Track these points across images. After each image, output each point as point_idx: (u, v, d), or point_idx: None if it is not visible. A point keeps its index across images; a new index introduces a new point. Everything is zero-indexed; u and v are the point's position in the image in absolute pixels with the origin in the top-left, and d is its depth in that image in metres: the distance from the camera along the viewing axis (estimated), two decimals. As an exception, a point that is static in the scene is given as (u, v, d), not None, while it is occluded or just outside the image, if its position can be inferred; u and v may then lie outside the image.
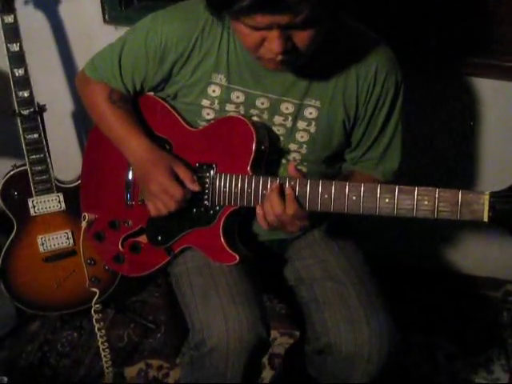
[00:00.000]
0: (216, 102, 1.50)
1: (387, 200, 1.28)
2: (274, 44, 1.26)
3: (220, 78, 1.48)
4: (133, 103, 1.62)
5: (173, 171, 1.50)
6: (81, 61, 2.13)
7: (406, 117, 1.56)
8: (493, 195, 1.20)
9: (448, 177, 2.20)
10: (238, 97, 1.49)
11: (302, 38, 1.26)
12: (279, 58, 1.29)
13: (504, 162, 2.15)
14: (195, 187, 1.50)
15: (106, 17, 2.11)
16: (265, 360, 2.16)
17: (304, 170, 1.55)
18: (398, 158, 1.57)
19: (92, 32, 2.13)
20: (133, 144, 1.55)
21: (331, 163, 1.59)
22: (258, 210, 1.39)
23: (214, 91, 1.49)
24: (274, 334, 2.26)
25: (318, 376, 1.63)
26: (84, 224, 1.72)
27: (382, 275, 1.63)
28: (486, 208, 1.20)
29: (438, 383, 2.12)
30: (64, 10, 2.13)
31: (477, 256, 2.40)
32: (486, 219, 1.21)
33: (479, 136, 2.15)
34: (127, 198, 1.66)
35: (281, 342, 2.25)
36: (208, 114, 1.52)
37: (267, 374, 2.13)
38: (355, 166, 1.60)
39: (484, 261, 2.41)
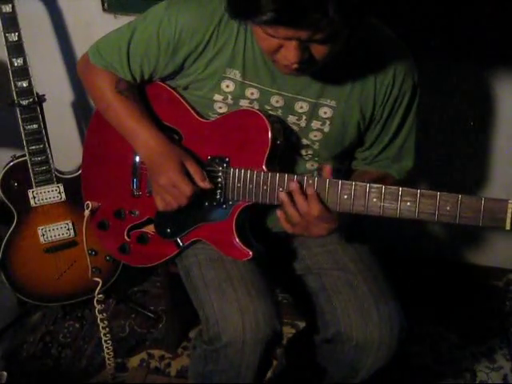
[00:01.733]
0: (229, 97, 1.47)
1: (409, 204, 1.27)
2: (290, 54, 1.23)
3: (234, 73, 1.44)
4: (140, 90, 1.57)
5: (183, 166, 1.47)
6: (80, 50, 2.11)
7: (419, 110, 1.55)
8: None
9: (460, 170, 2.19)
10: (252, 93, 1.46)
11: (319, 50, 1.24)
12: (294, 66, 1.26)
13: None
14: (206, 185, 1.47)
15: (105, 5, 2.09)
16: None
17: (315, 165, 1.54)
18: (412, 156, 1.57)
19: (91, 20, 2.11)
20: (144, 136, 1.51)
21: (342, 160, 1.58)
22: (279, 213, 1.38)
23: (227, 86, 1.46)
24: (276, 323, 2.27)
25: (326, 365, 1.63)
26: (87, 213, 1.70)
27: (385, 265, 1.63)
28: (509, 216, 1.20)
29: (441, 372, 2.12)
30: (63, -1, 2.11)
31: (480, 245, 2.40)
32: (508, 227, 1.21)
33: (492, 130, 2.14)
34: (134, 188, 1.64)
35: (284, 331, 2.24)
36: (220, 108, 1.49)
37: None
38: (370, 165, 1.58)
39: (487, 250, 2.40)
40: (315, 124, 1.48)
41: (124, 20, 1.57)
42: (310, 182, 1.35)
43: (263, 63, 1.42)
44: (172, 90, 1.54)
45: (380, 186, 1.29)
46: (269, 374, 2.04)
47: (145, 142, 1.51)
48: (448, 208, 1.24)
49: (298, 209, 1.35)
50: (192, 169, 1.47)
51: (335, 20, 1.13)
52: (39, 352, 2.18)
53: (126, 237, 1.65)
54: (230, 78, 1.45)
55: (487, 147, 2.18)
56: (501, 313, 2.34)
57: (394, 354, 1.49)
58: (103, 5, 2.09)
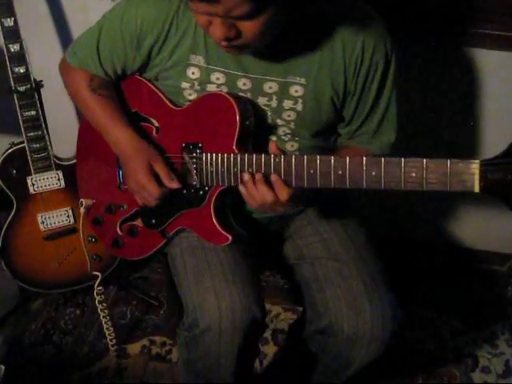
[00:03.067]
0: (196, 83, 1.46)
1: (374, 173, 1.23)
2: (215, 30, 1.22)
3: (198, 60, 1.43)
4: (117, 85, 1.59)
5: (151, 168, 1.48)
6: (77, 35, 2.08)
7: (406, 89, 1.52)
8: (484, 163, 1.13)
9: (448, 149, 2.17)
10: (218, 78, 1.45)
11: (246, 27, 1.22)
12: (223, 43, 1.25)
13: (506, 134, 2.11)
14: (173, 185, 1.48)
15: (103, -11, 2.06)
16: (268, 336, 2.17)
17: (296, 145, 1.52)
18: (393, 129, 1.52)
19: (88, 5, 2.08)
20: (115, 134, 1.54)
21: (324, 137, 1.55)
22: (241, 188, 1.38)
23: (193, 73, 1.45)
24: (277, 309, 2.27)
25: (320, 355, 1.62)
26: (82, 210, 1.72)
27: (384, 251, 1.62)
28: (477, 177, 1.13)
29: (442, 358, 2.12)
30: (60, -17, 2.08)
31: (482, 230, 2.39)
32: (477, 190, 1.14)
33: (481, 107, 2.11)
34: (119, 181, 1.65)
35: (284, 317, 2.25)
36: (190, 95, 1.49)
37: (270, 349, 2.14)
38: (351, 140, 1.55)
39: (489, 235, 2.39)
40: (287, 104, 1.45)
41: (102, 14, 1.56)
42: (277, 159, 1.33)
43: None
44: (147, 82, 1.55)
45: (344, 158, 1.26)
46: (265, 362, 2.07)
47: (116, 140, 1.54)
48: (413, 174, 1.19)
49: (266, 197, 1.34)
50: (160, 170, 1.49)
51: None
52: (41, 339, 2.19)
53: (118, 231, 1.66)
54: (194, 65, 1.44)
55: (478, 124, 2.16)
56: (503, 298, 2.34)
57: (387, 346, 1.48)
58: (101, -11, 2.06)
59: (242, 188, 1.38)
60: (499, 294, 2.35)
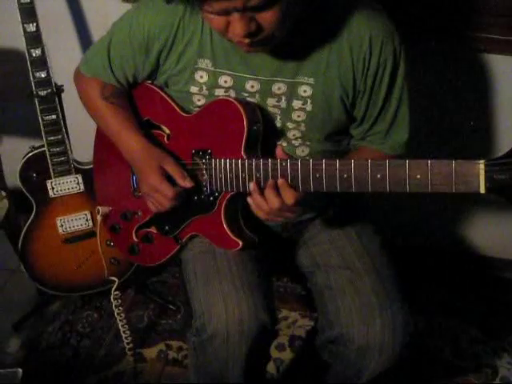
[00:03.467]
0: (204, 87, 1.47)
1: (379, 176, 1.22)
2: (236, 27, 1.22)
3: (206, 63, 1.44)
4: (129, 93, 1.61)
5: (163, 170, 1.49)
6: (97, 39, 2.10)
7: (416, 92, 1.50)
8: (489, 164, 1.11)
9: (458, 153, 2.15)
10: (225, 81, 1.45)
11: (265, 18, 1.22)
12: (246, 41, 1.25)
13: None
14: (186, 184, 1.48)
15: (124, -5, 2.08)
16: (285, 342, 2.16)
17: (307, 150, 1.51)
18: (406, 129, 1.50)
19: (109, 10, 2.10)
20: (126, 141, 1.55)
21: (336, 140, 1.54)
22: (249, 200, 1.38)
23: (201, 77, 1.46)
24: (294, 315, 2.26)
25: (332, 363, 1.61)
26: (99, 218, 1.74)
27: (406, 258, 1.60)
28: (483, 178, 1.12)
29: (461, 367, 2.09)
30: (81, -12, 2.10)
31: (500, 237, 2.36)
32: (482, 190, 1.12)
33: (491, 112, 2.09)
34: (134, 189, 1.66)
35: (302, 323, 2.24)
36: (199, 101, 1.49)
37: (287, 355, 2.13)
38: (363, 141, 1.54)
39: (507, 242, 2.37)
40: (296, 104, 1.44)
41: (112, 23, 1.58)
42: (284, 164, 1.32)
43: (233, 49, 1.40)
44: (158, 90, 1.56)
45: (350, 161, 1.26)
46: (282, 368, 2.06)
47: (128, 147, 1.55)
48: (418, 176, 1.18)
49: (273, 203, 1.34)
50: (171, 171, 1.49)
51: None
52: (58, 342, 2.19)
53: (134, 237, 1.67)
54: (202, 69, 1.45)
55: (488, 129, 2.14)
56: (524, 307, 2.31)
57: (398, 357, 1.46)
58: (122, -6, 2.07)
59: (249, 200, 1.38)
60: (519, 302, 2.33)
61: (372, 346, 1.44)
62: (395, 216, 2.24)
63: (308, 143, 1.50)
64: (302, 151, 1.51)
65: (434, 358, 2.11)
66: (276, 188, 1.33)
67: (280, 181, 1.33)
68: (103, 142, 1.70)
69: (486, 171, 1.12)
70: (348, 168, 1.26)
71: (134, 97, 1.62)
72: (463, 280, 2.38)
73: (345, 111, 1.46)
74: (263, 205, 1.35)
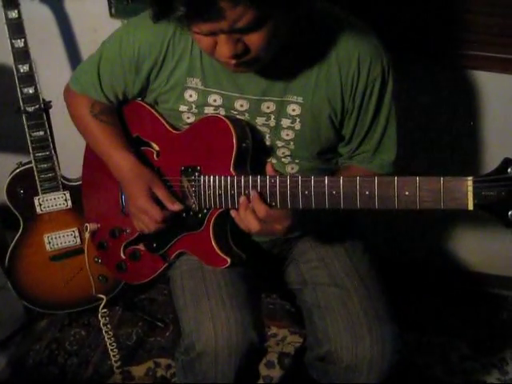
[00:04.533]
0: (193, 106, 1.47)
1: (367, 192, 1.22)
2: (223, 49, 1.22)
3: (195, 82, 1.44)
4: (119, 110, 1.61)
5: (151, 192, 1.49)
6: (86, 55, 2.09)
7: (404, 110, 1.50)
8: (476, 180, 1.12)
9: (447, 170, 2.16)
10: (215, 100, 1.45)
11: (252, 40, 1.21)
12: (232, 61, 1.25)
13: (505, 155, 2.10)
14: (175, 207, 1.48)
15: (113, 10, 2.07)
16: (274, 359, 2.15)
17: (296, 167, 1.51)
18: (393, 148, 1.50)
19: (98, 26, 2.09)
20: (116, 159, 1.55)
21: (325, 158, 1.54)
22: (233, 213, 1.38)
23: (190, 96, 1.46)
24: (283, 332, 2.25)
25: (320, 380, 1.60)
26: (87, 235, 1.72)
27: (394, 275, 1.60)
28: (471, 195, 1.13)
29: (451, 384, 2.09)
30: (69, 4, 2.09)
31: (489, 254, 2.37)
32: (470, 207, 1.13)
33: (480, 130, 2.11)
34: (122, 206, 1.65)
35: (291, 340, 2.23)
36: (188, 118, 1.49)
37: (277, 373, 2.12)
38: (351, 160, 1.54)
39: (496, 258, 2.37)
40: (285, 122, 1.44)
41: (102, 41, 1.57)
42: (272, 181, 1.32)
43: (222, 68, 1.39)
44: (148, 107, 1.56)
45: (338, 178, 1.26)
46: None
47: (117, 165, 1.55)
48: (407, 193, 1.18)
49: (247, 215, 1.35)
50: (160, 193, 1.49)
51: (246, 5, 1.12)
52: (45, 359, 2.17)
53: (122, 255, 1.66)
54: (191, 88, 1.45)
55: (477, 146, 2.15)
56: (512, 323, 2.31)
57: (388, 374, 1.45)
58: (110, 10, 2.07)
59: (232, 212, 1.39)
60: (509, 318, 2.32)
61: (361, 363, 1.43)
62: (385, 232, 2.25)
63: (297, 161, 1.50)
64: (291, 169, 1.51)
65: (423, 374, 2.11)
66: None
67: (252, 192, 1.34)
68: (92, 158, 1.69)
69: (474, 187, 1.13)
70: (336, 184, 1.26)
71: (124, 113, 1.62)
72: (452, 296, 2.38)
73: (333, 130, 1.46)
74: (243, 217, 1.36)
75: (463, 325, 2.28)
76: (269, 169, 1.35)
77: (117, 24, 2.05)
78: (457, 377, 2.10)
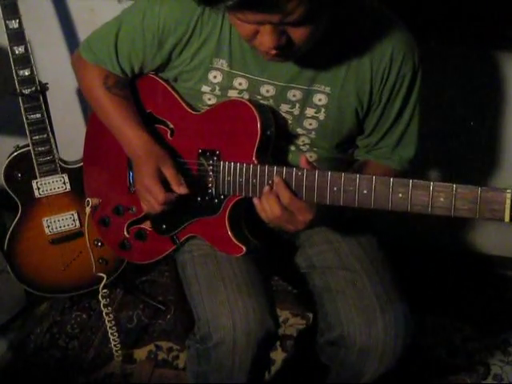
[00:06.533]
0: (217, 88, 1.42)
1: (401, 195, 1.19)
2: (266, 39, 1.18)
3: (221, 63, 1.39)
4: (132, 84, 1.55)
5: (160, 172, 1.45)
6: (84, 36, 2.04)
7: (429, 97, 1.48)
8: None
9: (471, 162, 2.14)
10: (240, 83, 1.41)
11: (297, 34, 1.18)
12: (272, 52, 1.21)
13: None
14: (181, 190, 1.44)
15: (109, -11, 2.04)
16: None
17: (314, 156, 1.48)
18: (414, 145, 1.49)
19: (94, 5, 2.07)
20: (127, 135, 1.49)
21: (343, 149, 1.52)
22: (256, 201, 1.34)
23: (215, 77, 1.41)
24: (285, 314, 2.24)
25: (331, 365, 1.59)
26: (88, 209, 1.68)
27: (397, 256, 1.58)
28: (508, 207, 1.10)
29: (454, 366, 2.08)
30: (65, -16, 2.06)
31: (495, 235, 2.35)
32: (507, 219, 1.11)
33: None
34: (130, 183, 1.61)
35: (293, 322, 2.22)
36: (209, 100, 1.45)
37: (279, 355, 2.10)
38: (369, 154, 1.52)
39: (502, 240, 2.35)
40: (309, 111, 1.41)
41: (128, 4, 1.52)
42: (300, 173, 1.29)
43: (251, 52, 1.36)
44: (164, 83, 1.51)
45: (370, 176, 1.22)
46: (274, 369, 2.03)
47: (128, 141, 1.49)
48: (442, 199, 1.15)
49: (269, 201, 1.31)
50: (168, 174, 1.45)
51: (304, 0, 1.08)
52: (46, 343, 2.17)
53: (125, 233, 1.63)
54: (217, 69, 1.41)
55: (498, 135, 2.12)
56: (516, 304, 2.30)
57: (400, 358, 1.44)
58: (107, -11, 2.04)
59: (256, 200, 1.34)
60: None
61: (374, 346, 1.42)
62: (389, 214, 2.22)
63: (315, 149, 1.48)
64: (309, 157, 1.48)
65: (426, 356, 2.10)
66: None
67: (276, 178, 1.30)
68: (97, 133, 1.64)
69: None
70: (368, 183, 1.22)
71: (138, 87, 1.56)
72: (455, 277, 2.37)
73: (357, 123, 1.44)
74: (266, 207, 1.32)
75: (466, 306, 2.27)
76: (303, 161, 1.29)
77: (113, 3, 2.03)
78: (459, 358, 2.10)
